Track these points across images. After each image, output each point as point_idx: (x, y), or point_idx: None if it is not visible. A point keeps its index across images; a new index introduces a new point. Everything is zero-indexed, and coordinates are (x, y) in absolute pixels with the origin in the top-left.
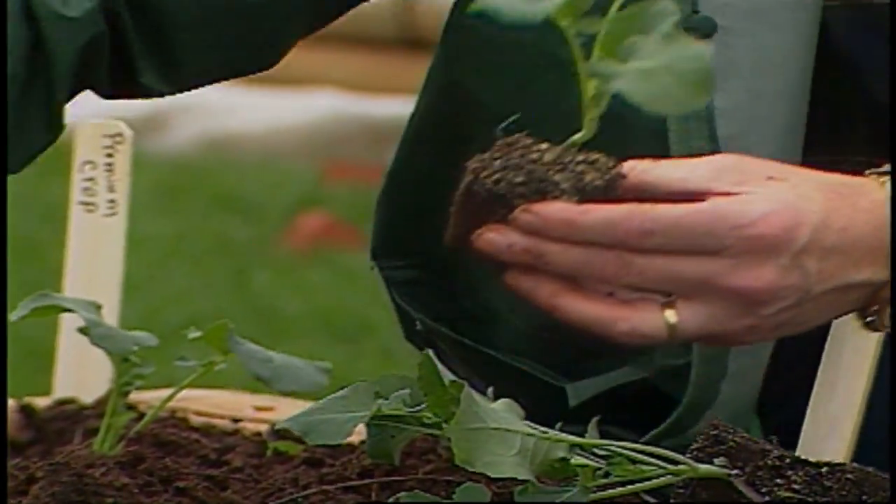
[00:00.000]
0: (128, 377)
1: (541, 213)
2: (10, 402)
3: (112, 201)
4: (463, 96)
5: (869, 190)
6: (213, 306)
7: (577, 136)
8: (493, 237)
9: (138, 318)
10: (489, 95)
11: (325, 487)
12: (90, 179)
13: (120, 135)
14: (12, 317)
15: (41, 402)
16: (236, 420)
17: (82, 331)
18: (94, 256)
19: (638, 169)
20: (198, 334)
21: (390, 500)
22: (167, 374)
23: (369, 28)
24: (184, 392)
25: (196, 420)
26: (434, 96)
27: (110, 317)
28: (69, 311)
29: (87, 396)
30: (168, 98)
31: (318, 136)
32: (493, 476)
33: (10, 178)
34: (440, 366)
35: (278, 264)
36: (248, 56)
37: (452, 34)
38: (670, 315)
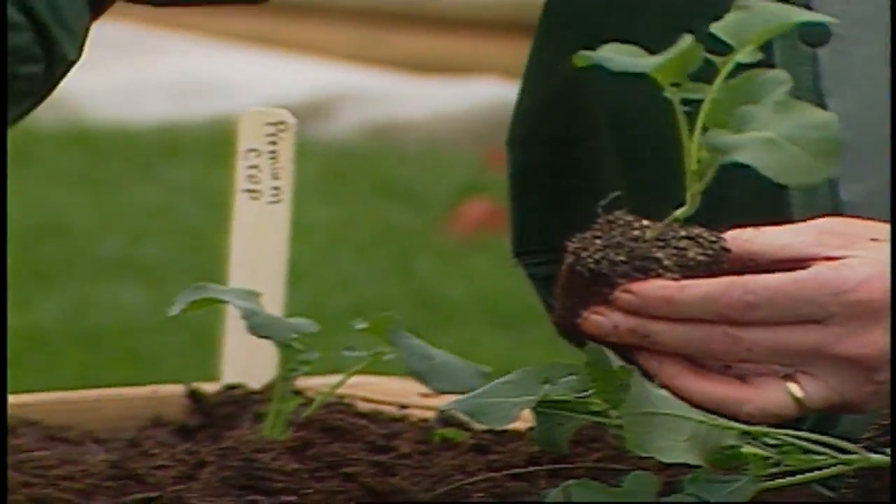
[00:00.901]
0: (293, 363)
1: (640, 293)
2: (179, 388)
3: (276, 189)
4: (575, 90)
5: None
6: (377, 293)
7: (679, 212)
8: (598, 320)
9: (304, 304)
10: (603, 87)
11: (491, 474)
12: (254, 167)
13: (283, 123)
14: (172, 310)
15: (209, 388)
16: (403, 406)
17: (242, 318)
18: (258, 244)
19: (741, 239)
20: (364, 326)
21: (558, 488)
22: (334, 360)
23: (534, 16)
24: (351, 378)
25: (363, 406)
26: (547, 91)
27: (275, 303)
28: (226, 302)
29: (255, 382)
30: (333, 86)
31: (481, 123)
32: (664, 462)
33: (178, 168)
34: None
35: (442, 251)
36: None
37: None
38: (794, 389)
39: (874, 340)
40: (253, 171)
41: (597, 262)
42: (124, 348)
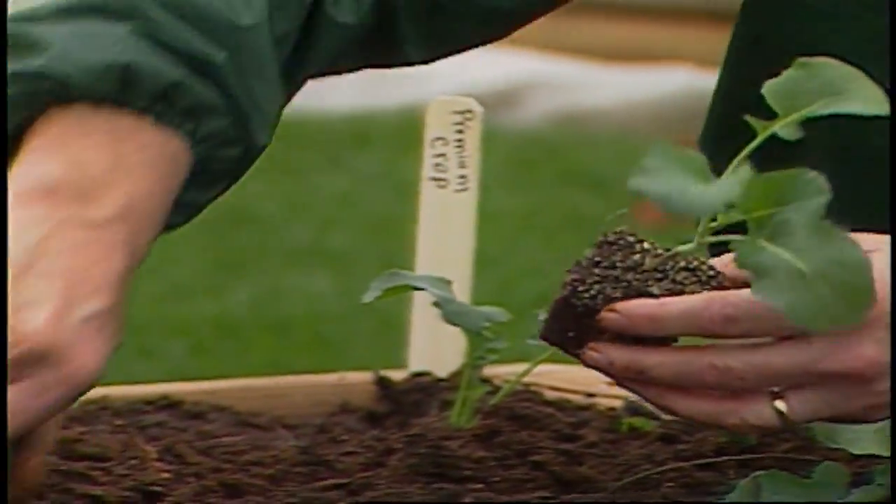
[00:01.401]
0: (480, 352)
1: (624, 311)
2: (367, 375)
3: (463, 177)
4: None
5: None
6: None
7: (682, 248)
8: (595, 356)
9: (491, 292)
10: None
11: (680, 464)
12: (441, 156)
13: (470, 111)
14: (366, 297)
15: (397, 376)
16: (590, 395)
17: (435, 305)
18: (445, 231)
19: (732, 265)
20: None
21: (747, 478)
22: (520, 348)
23: (726, 4)
24: (538, 367)
25: (550, 395)
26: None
27: (462, 291)
28: (420, 289)
29: (442, 370)
30: (521, 74)
31: (671, 111)
32: (854, 453)
33: (366, 157)
34: None
35: None
36: (499, 29)
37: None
38: (780, 405)
39: (864, 353)
40: (440, 160)
41: (592, 297)
42: (313, 335)
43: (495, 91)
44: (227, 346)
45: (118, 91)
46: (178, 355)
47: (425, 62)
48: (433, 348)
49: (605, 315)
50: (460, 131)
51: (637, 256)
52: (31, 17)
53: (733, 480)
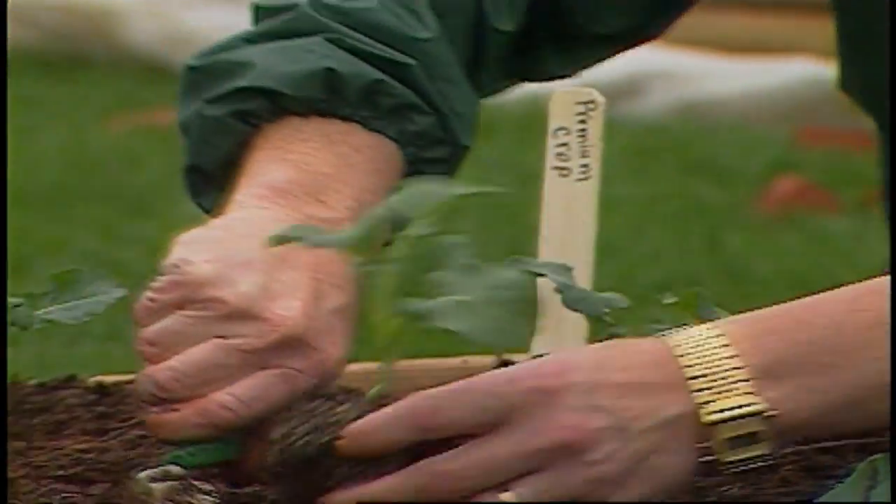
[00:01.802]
0: (602, 337)
1: (350, 432)
2: (490, 359)
3: (585, 166)
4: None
5: (643, 342)
6: (686, 268)
7: (373, 392)
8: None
9: (613, 278)
10: None
11: (800, 447)
12: (564, 145)
13: (593, 101)
14: None
15: (519, 359)
16: None
17: (556, 291)
18: (567, 219)
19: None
20: (672, 300)
21: (864, 461)
22: (641, 334)
23: None
24: None
25: None
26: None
27: (584, 278)
28: (542, 275)
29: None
30: (644, 66)
31: (792, 101)
32: None
33: (491, 147)
34: None
35: (751, 227)
36: (632, 40)
37: None
38: (508, 497)
39: (562, 420)
40: (562, 150)
41: (305, 445)
42: None
43: (617, 82)
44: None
45: (325, 96)
46: None
47: (565, 77)
48: (555, 333)
49: (341, 444)
50: (583, 121)
51: (338, 416)
52: (224, 47)
53: (852, 464)
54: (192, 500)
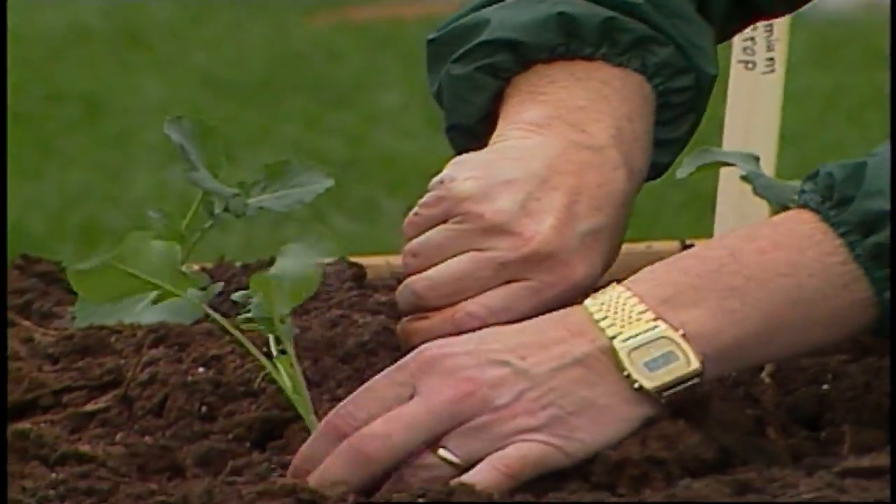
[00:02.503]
0: None
1: (293, 470)
2: (674, 244)
3: (770, 59)
4: None
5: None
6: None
7: None
8: None
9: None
10: None
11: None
12: (750, 39)
13: None
14: (680, 173)
15: (700, 243)
16: None
17: (744, 179)
18: (751, 111)
19: None
20: None
21: None
22: None
23: None
24: None
25: None
26: None
27: (767, 166)
28: (730, 165)
29: None
30: None
31: None
32: None
33: None
34: None
35: None
36: None
37: None
38: (444, 454)
39: (460, 376)
40: (748, 44)
41: None
42: None
43: None
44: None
45: (563, 40)
46: None
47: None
48: (737, 219)
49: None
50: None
51: None
52: (458, 17)
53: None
54: None
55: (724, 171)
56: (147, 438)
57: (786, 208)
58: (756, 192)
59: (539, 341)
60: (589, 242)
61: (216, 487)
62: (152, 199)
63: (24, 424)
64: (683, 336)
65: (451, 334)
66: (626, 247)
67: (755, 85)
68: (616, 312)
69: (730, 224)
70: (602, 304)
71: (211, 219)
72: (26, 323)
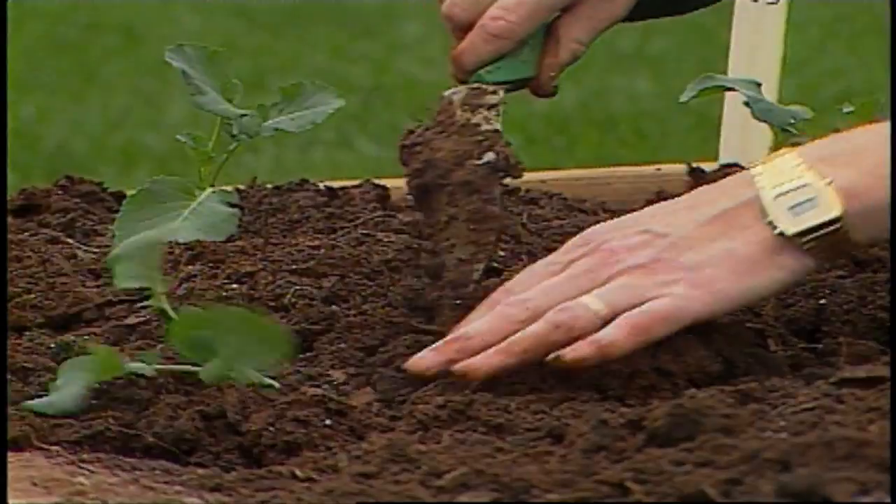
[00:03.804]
0: (785, 145)
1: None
2: (681, 167)
3: None
4: None
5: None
6: (865, 81)
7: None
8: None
9: (796, 93)
10: None
11: None
12: None
13: None
14: (683, 97)
15: (708, 167)
16: None
17: (746, 104)
18: (756, 39)
19: None
20: (850, 110)
21: None
22: None
23: None
24: None
25: None
26: None
27: (770, 92)
28: (731, 90)
29: (748, 162)
30: None
31: None
32: None
33: None
34: None
35: None
36: None
37: None
38: (588, 300)
39: (606, 245)
40: None
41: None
42: (634, 131)
43: None
44: (559, 140)
45: None
46: (514, 148)
47: None
48: (742, 142)
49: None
50: None
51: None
52: None
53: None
54: (481, 101)
55: (728, 96)
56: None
57: (786, 131)
58: (754, 115)
59: (690, 204)
60: None
61: (249, 397)
62: (188, 123)
63: (69, 337)
64: (829, 185)
65: (487, 43)
66: (635, 169)
67: (760, 14)
68: (774, 168)
69: (734, 146)
70: (766, 163)
71: (233, 140)
72: (70, 241)
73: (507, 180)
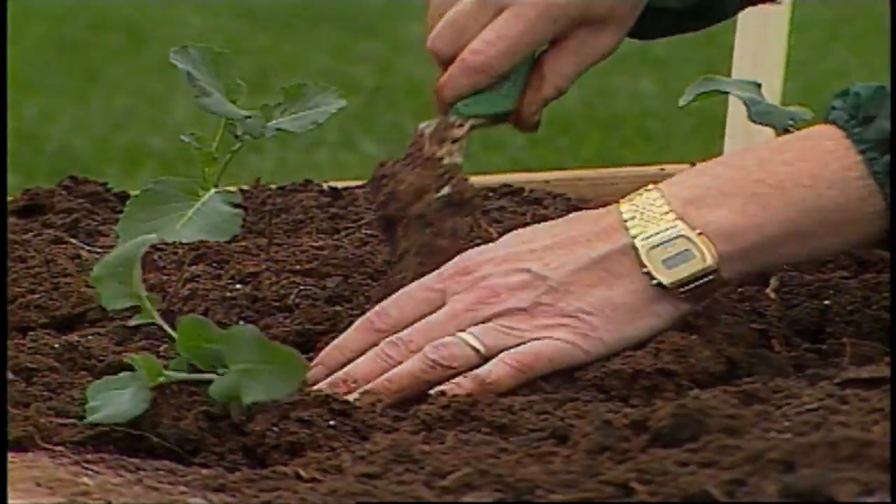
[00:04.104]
0: None
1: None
2: (685, 166)
3: None
4: None
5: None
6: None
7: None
8: None
9: (799, 94)
10: None
11: None
12: None
13: None
14: (681, 101)
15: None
16: None
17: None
18: (759, 40)
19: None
20: None
21: None
22: None
23: None
24: None
25: None
26: None
27: (773, 93)
28: (726, 93)
29: None
30: None
31: None
32: None
33: None
34: None
35: None
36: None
37: None
38: (467, 337)
39: (483, 285)
40: None
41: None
42: (637, 131)
43: None
44: (562, 140)
45: None
46: (518, 148)
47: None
48: (746, 143)
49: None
50: None
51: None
52: None
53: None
54: (448, 134)
55: (733, 96)
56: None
57: (787, 131)
58: (751, 117)
59: (564, 242)
60: None
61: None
62: (191, 123)
63: (73, 337)
64: (700, 235)
65: (466, 76)
66: (640, 169)
67: (763, 16)
68: (643, 213)
69: (739, 147)
70: (634, 205)
71: (236, 141)
72: (74, 241)
73: (509, 181)
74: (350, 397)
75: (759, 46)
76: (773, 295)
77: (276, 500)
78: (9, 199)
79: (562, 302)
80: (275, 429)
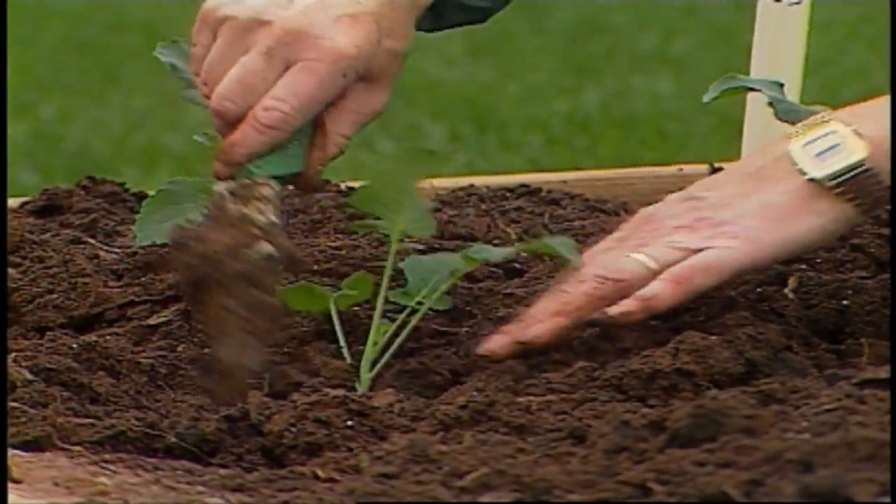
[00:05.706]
0: None
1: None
2: (703, 167)
3: None
4: None
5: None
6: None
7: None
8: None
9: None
10: None
11: None
12: None
13: None
14: (705, 98)
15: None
16: None
17: (769, 105)
18: (778, 40)
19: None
20: None
21: None
22: None
23: None
24: None
25: None
26: None
27: (792, 92)
28: (755, 90)
29: None
30: None
31: None
32: None
33: None
34: None
35: None
36: None
37: None
38: (641, 258)
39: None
40: None
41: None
42: (655, 131)
43: None
44: (581, 140)
45: None
46: (535, 148)
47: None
48: (764, 143)
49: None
50: None
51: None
52: None
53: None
54: (253, 192)
55: (751, 97)
56: (206, 350)
57: None
58: (777, 116)
59: (730, 170)
60: (346, 21)
61: (272, 400)
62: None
63: (91, 337)
64: (853, 131)
65: (259, 133)
66: (656, 170)
67: (782, 15)
68: (806, 125)
69: (756, 147)
70: (804, 124)
71: None
72: (92, 241)
73: (527, 181)
74: (543, 328)
75: (777, 45)
76: (791, 295)
77: (294, 500)
78: (27, 198)
79: (721, 213)
80: (293, 429)
